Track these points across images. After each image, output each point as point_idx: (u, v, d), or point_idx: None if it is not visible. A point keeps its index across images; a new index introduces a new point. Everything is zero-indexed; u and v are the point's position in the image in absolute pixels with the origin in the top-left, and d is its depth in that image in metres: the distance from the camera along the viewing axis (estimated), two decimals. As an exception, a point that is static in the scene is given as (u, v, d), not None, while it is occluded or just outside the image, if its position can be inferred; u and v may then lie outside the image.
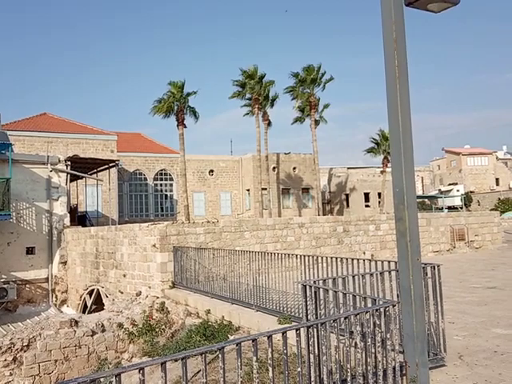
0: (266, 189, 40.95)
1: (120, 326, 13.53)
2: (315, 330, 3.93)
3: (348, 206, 49.01)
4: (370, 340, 3.93)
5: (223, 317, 10.93)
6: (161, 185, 43.41)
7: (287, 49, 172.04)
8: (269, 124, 41.29)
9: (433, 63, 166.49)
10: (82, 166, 26.58)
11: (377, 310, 3.86)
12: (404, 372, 4.67)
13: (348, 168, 53.01)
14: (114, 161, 27.77)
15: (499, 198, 60.29)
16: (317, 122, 40.68)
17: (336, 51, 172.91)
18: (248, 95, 39.17)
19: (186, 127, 36.61)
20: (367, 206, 48.51)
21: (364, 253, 18.63)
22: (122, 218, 37.13)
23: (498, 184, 71.19)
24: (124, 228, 17.41)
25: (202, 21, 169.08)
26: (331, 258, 8.22)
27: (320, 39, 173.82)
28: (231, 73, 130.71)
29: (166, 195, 43.66)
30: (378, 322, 3.85)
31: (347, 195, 49.53)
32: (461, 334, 7.45)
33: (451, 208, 52.79)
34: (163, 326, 13.09)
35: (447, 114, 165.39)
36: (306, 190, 45.65)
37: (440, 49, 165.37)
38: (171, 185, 43.73)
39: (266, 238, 16.86)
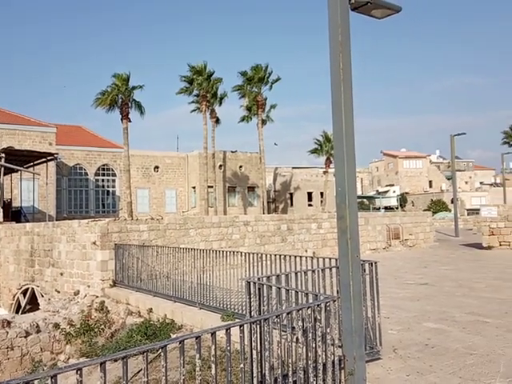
0: (212, 186, 40.76)
1: (56, 326, 13.00)
2: (258, 326, 3.96)
3: (292, 204, 49.80)
4: (310, 335, 4.01)
5: (166, 315, 10.79)
6: (103, 180, 42.05)
7: (236, 49, 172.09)
8: (217, 122, 41.12)
9: (375, 67, 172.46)
10: (17, 159, 25.30)
11: (318, 306, 3.95)
12: (342, 365, 4.81)
13: (293, 168, 53.86)
14: (52, 154, 26.59)
15: (432, 200, 63.48)
16: (264, 122, 41.00)
17: (284, 53, 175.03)
18: (196, 92, 38.78)
19: (130, 121, 35.72)
20: (310, 205, 49.52)
21: (306, 250, 19.00)
22: (60, 214, 35.62)
23: (430, 186, 75.00)
24: (62, 224, 16.75)
25: (152, 17, 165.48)
26: (275, 255, 8.31)
27: (268, 40, 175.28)
28: (179, 69, 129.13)
29: (108, 191, 42.37)
30: (318, 317, 3.94)
31: (291, 194, 50.33)
32: (395, 328, 7.78)
33: (388, 208, 55.02)
34: (102, 326, 12.72)
35: (385, 118, 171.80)
36: (251, 189, 45.92)
37: (381, 53, 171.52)
38: (114, 180, 42.48)
39: (211, 235, 16.79)
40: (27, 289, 18.62)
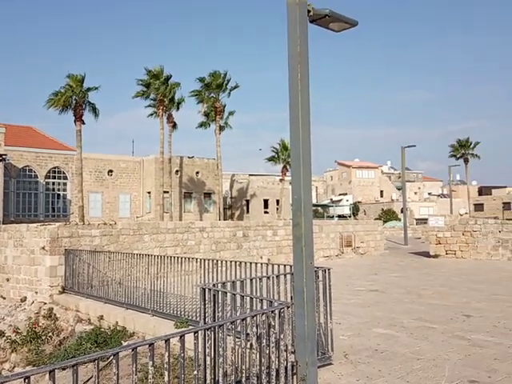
0: (167, 192, 40.21)
1: (1, 334, 12.44)
2: (212, 332, 3.94)
3: (248, 211, 49.92)
4: (264, 341, 4.03)
5: (117, 322, 10.57)
6: (53, 183, 40.60)
7: (195, 56, 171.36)
8: (174, 126, 40.68)
9: (328, 79, 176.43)
10: (-38, 159, 24.02)
11: (272, 312, 3.97)
12: (295, 371, 4.86)
13: (250, 175, 54.07)
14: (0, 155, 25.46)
15: (382, 209, 65.40)
16: (221, 128, 40.94)
17: (244, 61, 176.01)
18: (153, 96, 38.24)
19: (84, 123, 34.70)
20: (266, 212, 49.81)
21: (261, 257, 19.09)
22: (7, 217, 34.05)
23: (382, 196, 77.34)
24: (9, 228, 16.09)
25: (109, 20, 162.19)
26: (230, 261, 8.30)
27: (228, 48, 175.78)
28: (136, 72, 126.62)
29: (59, 195, 40.95)
30: (273, 323, 3.97)
31: (248, 201, 50.45)
32: (346, 333, 7.93)
33: (341, 216, 56.21)
34: (50, 334, 12.30)
35: (340, 129, 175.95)
36: (208, 195, 45.68)
37: (335, 66, 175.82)
38: (65, 184, 41.11)
39: (166, 241, 16.56)
40: (-31, 295, 17.66)
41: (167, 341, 3.34)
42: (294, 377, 4.85)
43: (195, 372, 3.40)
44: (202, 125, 42.03)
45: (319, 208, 61.77)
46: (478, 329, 8.12)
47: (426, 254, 23.63)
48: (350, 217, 57.22)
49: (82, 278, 13.06)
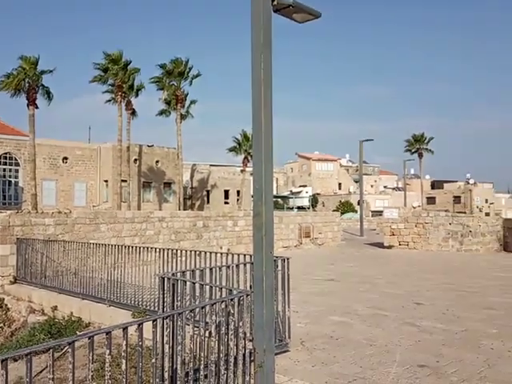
0: (125, 181, 39.36)
1: None
2: (171, 321, 3.93)
3: (208, 202, 49.70)
4: (223, 329, 4.07)
5: (72, 313, 10.38)
6: (4, 170, 38.95)
7: (157, 43, 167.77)
8: (133, 113, 39.68)
9: (290, 71, 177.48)
10: None
11: (232, 300, 4.00)
12: (252, 358, 4.92)
13: (211, 165, 53.74)
14: None
15: (340, 201, 66.76)
16: (183, 117, 40.26)
17: (207, 51, 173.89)
18: (111, 81, 37.08)
19: (37, 108, 33.35)
20: (226, 202, 49.77)
21: (221, 247, 19.10)
22: (-47, 204, 32.52)
23: (340, 188, 78.86)
24: (-44, 216, 15.32)
25: (68, 3, 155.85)
26: (190, 251, 8.27)
27: (191, 37, 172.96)
28: (95, 56, 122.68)
29: (10, 182, 39.34)
30: (232, 311, 4.00)
31: (208, 191, 50.21)
32: (303, 321, 8.11)
33: (300, 208, 56.91)
34: (1, 325, 11.90)
35: (300, 122, 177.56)
36: (167, 185, 45.05)
37: (297, 58, 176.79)
38: (17, 170, 39.51)
39: (123, 231, 16.28)
40: None
41: (125, 329, 3.30)
42: (252, 364, 4.92)
43: (153, 360, 3.38)
44: (162, 112, 41.24)
45: (279, 199, 62.31)
46: (427, 316, 8.49)
47: (381, 245, 24.37)
48: (309, 208, 58.02)
49: (35, 268, 12.72)
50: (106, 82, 37.20)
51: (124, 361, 3.41)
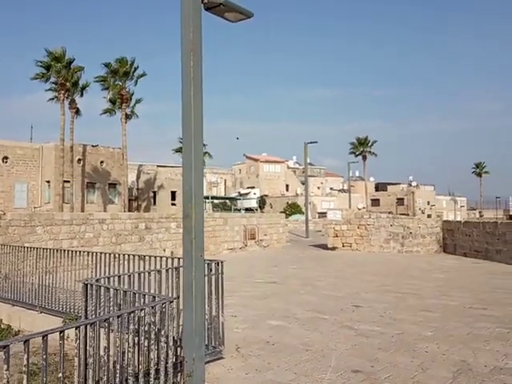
0: (68, 181, 37.77)
1: None
2: (86, 330, 3.61)
3: (155, 203, 48.65)
4: (146, 338, 3.79)
5: (1, 320, 9.73)
6: None
7: (103, 41, 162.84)
8: (77, 113, 38.19)
9: (238, 72, 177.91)
10: None
11: (153, 307, 3.74)
12: (181, 367, 4.67)
13: (158, 166, 52.62)
14: None
15: (288, 202, 67.34)
16: (128, 116, 39.23)
17: (152, 50, 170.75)
18: (54, 79, 35.56)
19: (-26, 105, 31.45)
20: (173, 204, 48.86)
21: (164, 250, 18.63)
22: None
23: (287, 189, 79.60)
24: None
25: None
26: (128, 255, 7.83)
27: (134, 37, 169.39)
28: (37, 53, 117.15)
29: None
30: (152, 320, 3.73)
31: (155, 193, 49.15)
32: (241, 326, 7.89)
33: (248, 209, 56.86)
34: None
35: (246, 123, 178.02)
36: (112, 186, 43.66)
37: (246, 58, 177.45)
38: (-48, 170, 37.07)
39: (61, 233, 15.49)
40: None
41: (45, 337, 3.04)
42: (180, 374, 4.66)
43: (59, 375, 3.07)
44: (107, 111, 40.01)
45: (227, 201, 62.05)
46: (365, 319, 8.45)
47: (325, 247, 24.64)
48: (256, 210, 58.12)
49: (-37, 273, 11.79)
50: (48, 79, 35.61)
51: (42, 372, 3.10)
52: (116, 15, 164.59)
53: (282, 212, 45.52)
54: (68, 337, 5.17)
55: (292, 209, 63.52)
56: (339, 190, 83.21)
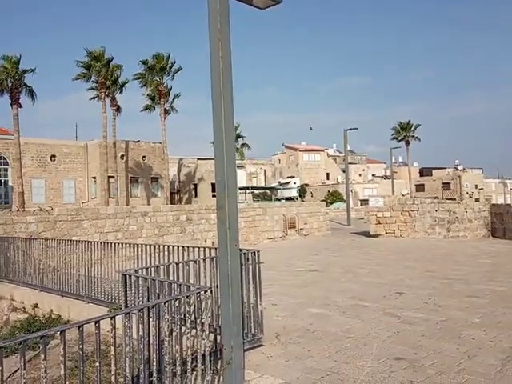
0: (113, 177, 38.98)
1: None
2: (128, 318, 3.69)
3: (196, 195, 49.39)
4: (182, 326, 3.84)
5: (52, 310, 10.18)
6: (-6, 169, 38.50)
7: (139, 38, 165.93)
8: (117, 110, 39.29)
9: (271, 64, 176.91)
10: None
11: (188, 297, 3.78)
12: (220, 355, 4.71)
13: (198, 159, 53.31)
14: None
15: (329, 191, 66.68)
16: (167, 112, 39.93)
17: (189, 43, 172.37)
18: (94, 78, 36.64)
19: (21, 107, 33.05)
20: (214, 195, 49.38)
21: (205, 241, 18.90)
22: None
23: (328, 178, 78.76)
24: None
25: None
26: (172, 246, 7.98)
27: (172, 30, 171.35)
28: (78, 54, 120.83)
29: (0, 181, 38.85)
30: (188, 309, 3.77)
31: (196, 185, 49.86)
32: (281, 314, 7.89)
33: (288, 199, 56.67)
34: (-17, 324, 11.66)
35: (285, 114, 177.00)
36: (155, 180, 44.67)
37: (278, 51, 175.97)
38: (6, 170, 39.00)
39: (106, 227, 16.01)
40: None
41: (97, 323, 3.17)
42: (220, 361, 4.71)
43: (96, 363, 3.16)
44: (146, 108, 40.89)
45: (267, 191, 62.12)
46: (408, 306, 8.26)
47: (367, 234, 24.25)
48: (297, 199, 57.82)
49: (17, 266, 12.47)
50: (89, 79, 36.74)
51: (79, 361, 3.21)
52: (151, 11, 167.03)
53: (322, 200, 45.18)
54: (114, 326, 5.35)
55: (333, 197, 62.85)
56: (382, 177, 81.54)
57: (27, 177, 37.61)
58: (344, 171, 46.49)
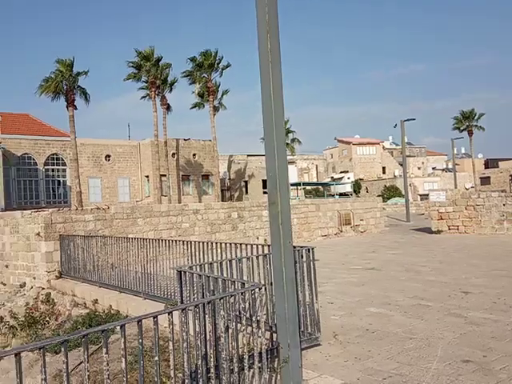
0: (165, 175, 40.08)
1: (1, 319, 12.57)
2: (184, 314, 3.78)
3: (247, 192, 49.79)
4: (238, 323, 3.88)
5: (111, 306, 10.64)
6: (53, 170, 40.61)
7: (186, 36, 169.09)
8: (168, 108, 40.32)
9: (319, 56, 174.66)
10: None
11: (242, 294, 3.81)
12: (277, 353, 4.72)
13: (248, 155, 53.72)
14: (-6, 143, 25.26)
15: (385, 185, 65.03)
16: (216, 108, 40.47)
17: (235, 38, 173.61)
18: (144, 78, 37.79)
19: (76, 109, 34.60)
20: (265, 192, 49.54)
21: (258, 238, 18.99)
22: (9, 205, 34.19)
23: (384, 172, 76.78)
24: (5, 215, 16.21)
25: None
26: (225, 243, 8.11)
27: (218, 25, 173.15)
28: (128, 54, 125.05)
29: (59, 181, 41.00)
30: (243, 306, 3.81)
31: (246, 182, 50.26)
32: (338, 313, 7.79)
33: (342, 194, 55.88)
34: (47, 318, 12.37)
35: (336, 106, 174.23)
36: (206, 177, 45.50)
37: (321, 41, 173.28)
38: (64, 170, 41.10)
39: (160, 224, 16.49)
40: (-29, 282, 17.79)
41: (155, 317, 3.30)
42: (276, 359, 4.72)
43: (155, 358, 3.25)
44: (195, 106, 41.64)
45: (320, 187, 61.55)
46: (475, 306, 7.93)
47: (428, 230, 23.44)
48: (351, 195, 56.94)
49: (77, 263, 13.13)
50: (139, 79, 37.91)
51: (139, 355, 3.32)
52: (196, 8, 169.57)
53: (378, 196, 44.16)
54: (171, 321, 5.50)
55: (390, 192, 61.28)
56: (443, 170, 78.51)
57: (84, 176, 39.41)
58: (401, 164, 45.19)
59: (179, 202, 40.01)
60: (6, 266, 15.63)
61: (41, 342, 2.80)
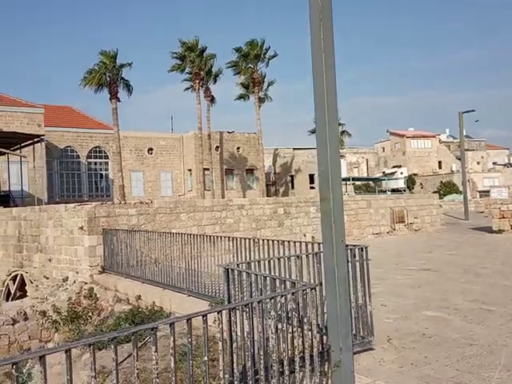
0: (208, 169, 40.51)
1: (44, 314, 13.02)
2: (234, 314, 3.82)
3: (293, 187, 49.57)
4: (289, 324, 3.88)
5: (154, 302, 10.79)
6: (95, 163, 41.91)
7: (232, 26, 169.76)
8: (212, 100, 40.64)
9: (373, 43, 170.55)
10: (3, 142, 25.10)
11: (293, 294, 3.80)
12: (328, 356, 4.69)
13: (294, 149, 53.44)
14: (38, 136, 26.35)
15: (441, 181, 63.11)
16: (261, 100, 40.46)
17: (282, 28, 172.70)
18: (188, 69, 38.26)
19: (119, 101, 35.50)
20: (312, 187, 49.21)
21: (305, 235, 18.87)
22: (52, 198, 35.57)
23: (440, 167, 74.46)
24: (49, 209, 16.69)
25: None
26: (272, 240, 8.08)
27: (265, 15, 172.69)
28: (172, 45, 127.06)
29: (102, 174, 42.27)
30: (293, 306, 3.80)
31: (292, 177, 50.03)
32: (392, 316, 7.65)
33: (395, 190, 54.69)
34: (90, 314, 12.73)
35: (388, 96, 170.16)
36: (250, 171, 45.62)
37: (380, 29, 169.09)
38: (107, 163, 42.32)
39: (203, 220, 16.65)
40: (16, 275, 18.64)
41: (204, 316, 3.36)
42: (327, 362, 4.69)
43: (205, 358, 3.30)
44: (240, 97, 41.74)
45: (370, 182, 60.47)
46: (543, 311, 7.62)
47: (489, 230, 22.62)
48: (404, 191, 55.61)
49: (120, 258, 13.35)
50: (183, 70, 38.38)
51: (188, 355, 3.38)
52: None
53: (434, 192, 42.92)
54: (216, 320, 5.57)
55: (446, 188, 59.41)
56: (504, 165, 75.35)
57: (126, 170, 40.42)
58: (459, 159, 43.71)
59: (222, 197, 40.37)
60: (50, 260, 16.11)
61: (92, 339, 2.91)
